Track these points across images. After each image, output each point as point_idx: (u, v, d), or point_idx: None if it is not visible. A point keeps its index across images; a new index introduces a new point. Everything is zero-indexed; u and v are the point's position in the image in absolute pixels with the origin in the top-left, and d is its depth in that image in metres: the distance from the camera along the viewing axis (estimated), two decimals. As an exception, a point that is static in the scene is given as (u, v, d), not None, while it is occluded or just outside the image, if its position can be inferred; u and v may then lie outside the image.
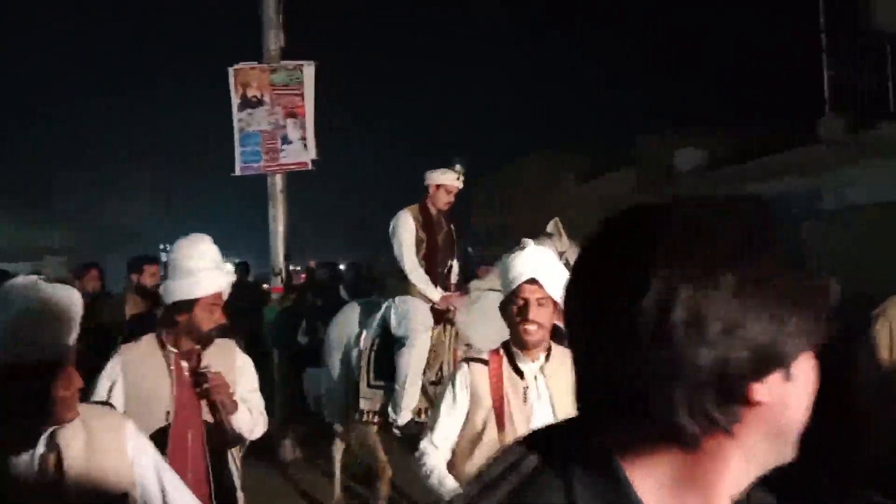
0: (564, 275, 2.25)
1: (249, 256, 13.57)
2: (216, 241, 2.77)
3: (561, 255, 4.24)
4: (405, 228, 4.83)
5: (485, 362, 2.62)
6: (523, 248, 2.79)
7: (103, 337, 4.44)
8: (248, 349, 3.53)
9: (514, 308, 2.53)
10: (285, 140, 6.77)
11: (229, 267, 3.04)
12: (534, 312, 2.48)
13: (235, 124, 6.78)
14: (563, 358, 2.46)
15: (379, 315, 4.88)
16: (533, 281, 2.50)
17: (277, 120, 6.76)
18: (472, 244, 28.13)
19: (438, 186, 4.91)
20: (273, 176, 6.98)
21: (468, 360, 2.71)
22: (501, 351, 2.63)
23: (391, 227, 4.88)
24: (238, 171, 6.89)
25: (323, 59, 6.97)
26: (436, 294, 4.73)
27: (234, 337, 3.25)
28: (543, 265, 2.57)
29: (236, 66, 6.81)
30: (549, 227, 4.87)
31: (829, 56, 9.24)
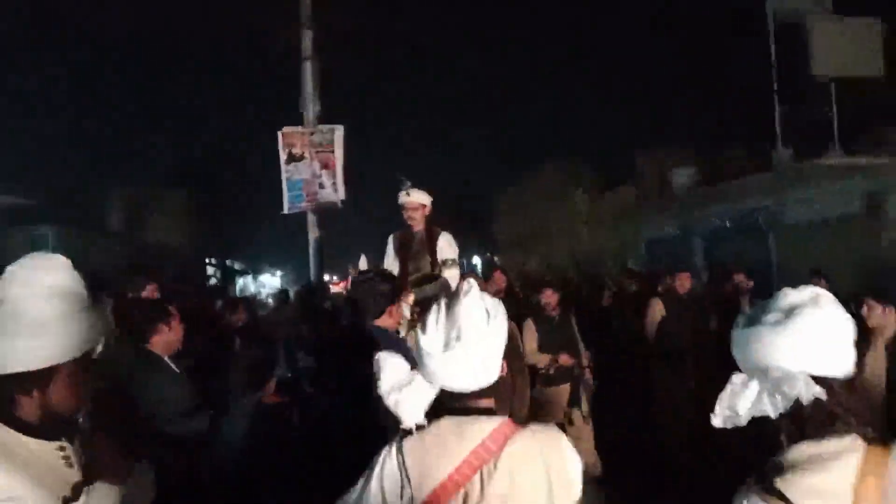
0: None
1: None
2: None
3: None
4: (387, 249, 5.59)
5: None
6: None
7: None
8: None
9: None
10: (321, 185, 8.73)
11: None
12: None
13: (283, 174, 8.74)
14: None
15: None
16: None
17: (315, 170, 8.72)
18: (492, 250, 29.49)
19: (402, 208, 5.43)
20: (311, 213, 8.99)
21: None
22: None
23: None
24: (287, 210, 8.84)
25: (350, 123, 8.90)
26: None
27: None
28: None
29: (284, 130, 8.79)
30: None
31: (779, 96, 10.83)
